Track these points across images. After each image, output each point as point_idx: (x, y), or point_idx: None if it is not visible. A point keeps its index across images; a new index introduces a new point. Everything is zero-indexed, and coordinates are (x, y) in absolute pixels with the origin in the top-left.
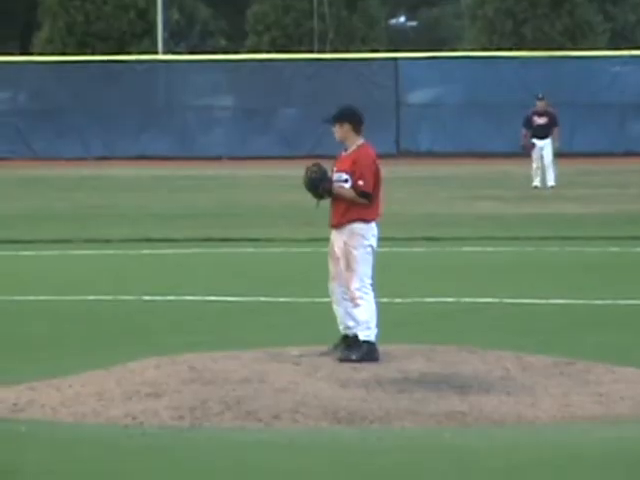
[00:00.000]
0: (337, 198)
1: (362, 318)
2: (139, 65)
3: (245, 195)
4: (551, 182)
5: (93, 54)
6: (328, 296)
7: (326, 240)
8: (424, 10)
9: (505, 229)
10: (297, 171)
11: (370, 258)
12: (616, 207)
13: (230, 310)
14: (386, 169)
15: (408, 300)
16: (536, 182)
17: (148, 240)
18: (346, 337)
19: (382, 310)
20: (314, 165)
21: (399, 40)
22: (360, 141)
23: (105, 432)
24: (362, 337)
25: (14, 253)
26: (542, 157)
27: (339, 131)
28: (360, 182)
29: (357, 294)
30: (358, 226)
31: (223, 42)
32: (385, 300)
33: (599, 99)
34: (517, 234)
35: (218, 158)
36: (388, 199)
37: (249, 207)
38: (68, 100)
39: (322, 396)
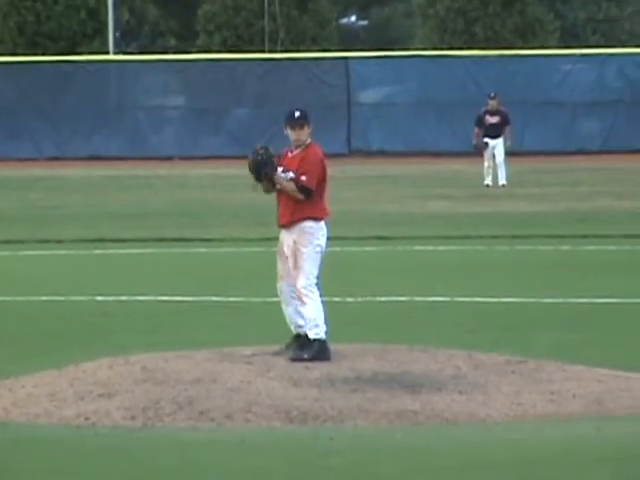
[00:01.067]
0: (283, 196)
1: (309, 316)
2: (90, 65)
3: (197, 195)
4: (502, 181)
5: (44, 54)
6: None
7: (278, 240)
8: (375, 9)
9: (456, 228)
10: (248, 171)
11: (318, 257)
12: (567, 205)
13: (182, 310)
14: (337, 168)
15: (360, 299)
16: (487, 181)
17: (101, 240)
18: (298, 336)
19: (334, 309)
20: (262, 148)
21: (350, 39)
22: (309, 140)
23: (58, 432)
24: (312, 336)
25: None
26: (494, 156)
27: (304, 133)
28: (303, 177)
29: (303, 292)
30: (308, 225)
31: (173, 42)
32: (337, 299)
33: (550, 97)
34: (468, 233)
35: (170, 158)
36: (339, 198)
37: (201, 207)
38: (19, 100)
39: (274, 395)
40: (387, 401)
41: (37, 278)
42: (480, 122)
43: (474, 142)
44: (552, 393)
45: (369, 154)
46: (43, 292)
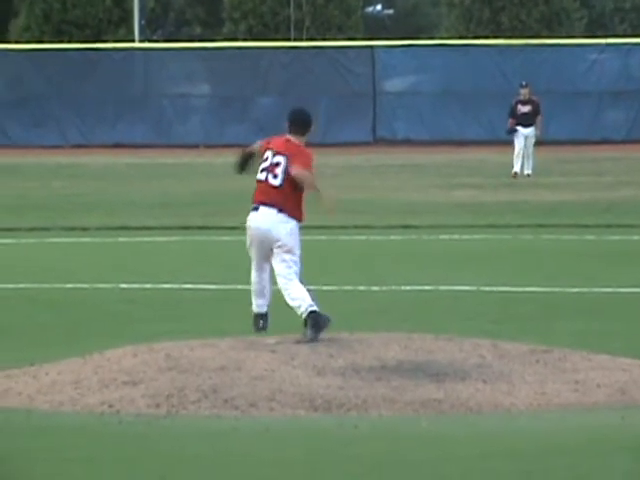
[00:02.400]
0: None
1: (293, 304)
2: (116, 53)
3: (221, 183)
4: (528, 170)
5: (70, 42)
6: (305, 284)
7: (305, 228)
8: None
9: (481, 217)
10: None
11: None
12: (591, 195)
13: (207, 298)
14: (363, 157)
15: (385, 288)
16: (516, 168)
17: (125, 228)
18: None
19: (359, 298)
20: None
21: (376, 28)
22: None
23: (82, 420)
24: (303, 314)
25: None
26: (525, 145)
27: (305, 139)
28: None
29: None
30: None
31: (199, 30)
32: (362, 288)
33: (576, 87)
34: (493, 222)
35: (195, 146)
36: (365, 187)
37: (226, 195)
38: (45, 88)
39: (299, 384)
40: (412, 390)
41: (62, 266)
42: (513, 112)
43: (508, 128)
44: (576, 382)
45: (394, 143)
46: (68, 280)
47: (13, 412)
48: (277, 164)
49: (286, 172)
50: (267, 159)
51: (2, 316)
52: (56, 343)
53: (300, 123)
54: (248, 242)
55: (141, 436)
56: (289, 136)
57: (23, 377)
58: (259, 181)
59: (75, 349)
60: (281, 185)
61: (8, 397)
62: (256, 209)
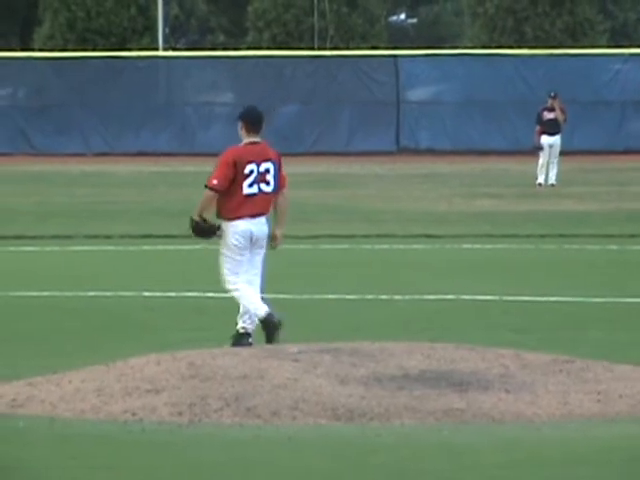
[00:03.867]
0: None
1: (249, 307)
2: (140, 61)
3: None
4: (552, 180)
5: (94, 50)
6: (327, 293)
7: (326, 237)
8: (424, 7)
9: (504, 227)
10: (297, 168)
11: (233, 255)
12: (615, 205)
13: (230, 307)
14: (386, 166)
15: (407, 297)
16: (540, 179)
17: (148, 236)
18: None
19: (382, 307)
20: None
21: (399, 37)
22: (245, 140)
23: (104, 428)
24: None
25: (16, 249)
26: (550, 154)
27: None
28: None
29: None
30: (223, 225)
31: (222, 38)
32: (384, 297)
33: (599, 97)
34: (516, 232)
35: (218, 154)
36: (387, 196)
37: None
38: (69, 96)
39: (321, 393)
40: (434, 399)
41: (85, 273)
42: (539, 119)
43: (535, 143)
44: (599, 393)
45: (417, 152)
46: (91, 287)
47: (36, 420)
48: (267, 171)
49: (277, 177)
50: (252, 172)
51: (25, 324)
52: (79, 351)
53: (262, 121)
54: (241, 247)
55: (164, 444)
56: (255, 138)
57: (46, 385)
58: (251, 195)
59: (98, 357)
60: (274, 190)
61: (31, 405)
62: (253, 217)
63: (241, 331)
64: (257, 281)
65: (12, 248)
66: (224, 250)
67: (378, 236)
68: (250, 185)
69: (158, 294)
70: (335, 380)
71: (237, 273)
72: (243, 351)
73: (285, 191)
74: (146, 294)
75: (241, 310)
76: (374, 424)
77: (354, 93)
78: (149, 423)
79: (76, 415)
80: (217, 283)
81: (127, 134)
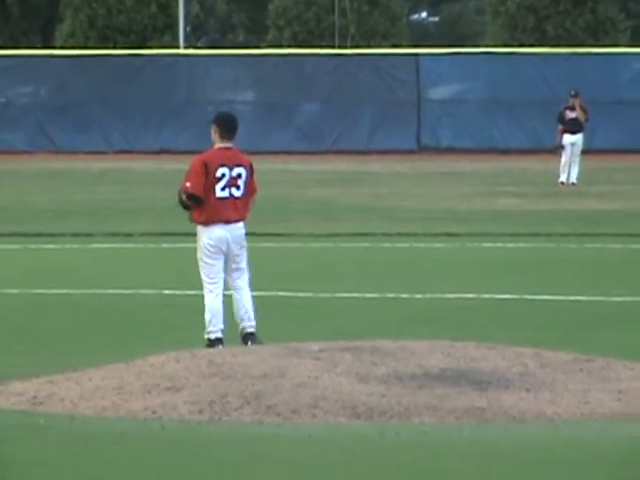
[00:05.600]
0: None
1: (205, 316)
2: (161, 59)
3: (265, 190)
4: (573, 179)
5: (115, 48)
6: (348, 291)
7: (348, 235)
8: (446, 6)
9: (525, 225)
10: (318, 166)
11: (207, 259)
12: (637, 204)
13: None
14: (407, 165)
15: (428, 296)
16: (562, 178)
17: (169, 234)
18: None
19: (402, 306)
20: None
21: (420, 36)
22: (218, 145)
23: (124, 426)
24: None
25: (37, 246)
26: (572, 153)
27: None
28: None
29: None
30: (198, 229)
31: (243, 36)
32: (405, 296)
33: (621, 95)
34: (537, 230)
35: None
36: (408, 195)
37: (269, 202)
38: (89, 94)
39: (341, 391)
40: (454, 398)
41: (105, 271)
42: (561, 118)
43: (556, 143)
44: (620, 392)
45: (438, 151)
46: (111, 285)
47: (56, 417)
48: (239, 176)
49: (247, 183)
50: (224, 176)
51: (45, 322)
52: (99, 349)
53: (237, 128)
54: (215, 252)
55: (183, 442)
56: (228, 143)
57: (66, 382)
58: (223, 199)
59: (118, 355)
60: (244, 196)
61: (51, 402)
62: (228, 223)
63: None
64: (242, 282)
65: (32, 246)
66: (199, 255)
67: (399, 234)
68: (222, 189)
69: (178, 292)
70: (355, 378)
71: (213, 278)
72: (263, 349)
73: (253, 198)
74: (166, 292)
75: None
76: (394, 423)
77: (375, 91)
78: (169, 421)
79: (96, 413)
80: None
81: (148, 132)
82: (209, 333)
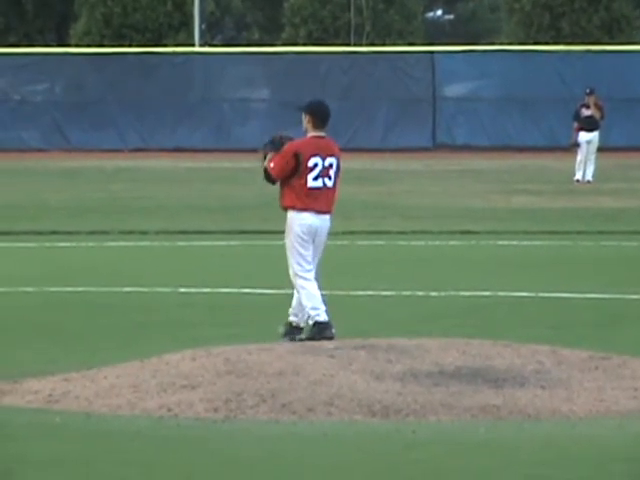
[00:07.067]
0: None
1: (304, 303)
2: (176, 57)
3: None
4: (589, 177)
5: (130, 46)
6: (363, 289)
7: (362, 233)
8: (461, 3)
9: (541, 223)
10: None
11: (298, 246)
12: None
13: (265, 303)
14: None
15: (443, 294)
16: (578, 176)
17: (184, 232)
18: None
19: (417, 303)
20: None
21: (436, 33)
22: (311, 133)
23: (140, 424)
24: (311, 321)
25: (52, 244)
26: (587, 151)
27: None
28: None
29: (293, 281)
30: (289, 215)
31: (258, 34)
32: (421, 293)
33: (636, 93)
34: (553, 228)
35: (254, 150)
36: (424, 192)
37: None
38: (105, 92)
39: (357, 389)
40: (470, 395)
41: (121, 269)
42: (577, 115)
43: (571, 140)
44: (635, 389)
45: (454, 148)
46: (126, 283)
47: (71, 415)
48: (330, 166)
49: (337, 174)
50: (317, 165)
51: (61, 319)
52: (114, 347)
53: (329, 117)
54: (306, 240)
55: (199, 440)
56: (321, 132)
57: (81, 380)
58: (316, 189)
59: (133, 353)
60: (334, 186)
61: (67, 400)
62: (318, 213)
63: (294, 324)
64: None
65: (48, 244)
66: (291, 242)
67: (414, 232)
68: (315, 178)
69: (194, 290)
70: (371, 376)
71: (308, 264)
72: (279, 347)
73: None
74: (182, 290)
75: (294, 303)
76: (410, 420)
77: (390, 89)
78: (184, 419)
79: (111, 411)
80: (253, 279)
81: (163, 130)
82: (316, 316)
